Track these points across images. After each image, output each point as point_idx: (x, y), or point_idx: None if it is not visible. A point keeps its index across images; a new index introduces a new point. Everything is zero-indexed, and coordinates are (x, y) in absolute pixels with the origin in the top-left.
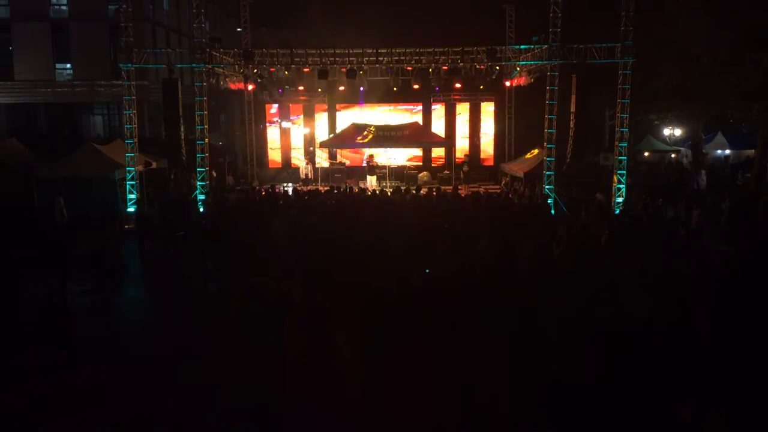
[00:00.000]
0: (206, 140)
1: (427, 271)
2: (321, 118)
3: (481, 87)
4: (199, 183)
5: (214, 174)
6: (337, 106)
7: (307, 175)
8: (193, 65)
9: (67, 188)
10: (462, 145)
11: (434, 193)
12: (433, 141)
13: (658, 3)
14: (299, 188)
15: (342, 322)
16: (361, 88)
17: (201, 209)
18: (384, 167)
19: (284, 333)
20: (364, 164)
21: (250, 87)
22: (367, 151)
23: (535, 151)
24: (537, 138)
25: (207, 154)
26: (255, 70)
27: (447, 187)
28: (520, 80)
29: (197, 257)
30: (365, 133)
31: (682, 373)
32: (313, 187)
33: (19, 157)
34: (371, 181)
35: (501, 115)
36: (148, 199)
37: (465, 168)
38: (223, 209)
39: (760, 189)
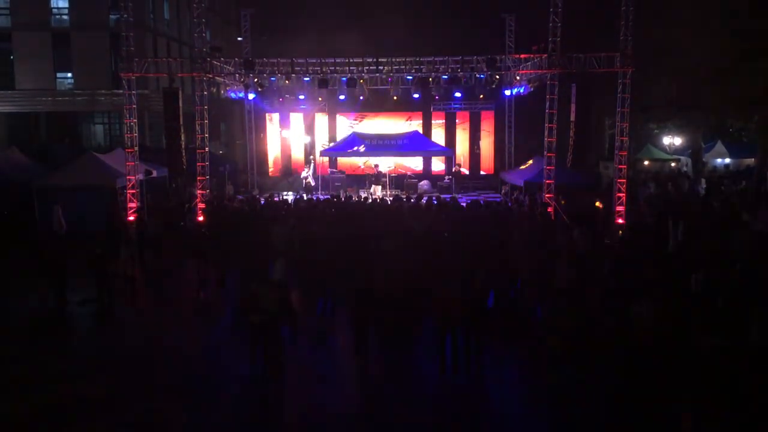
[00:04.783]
0: (206, 149)
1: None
2: (321, 127)
3: (481, 96)
4: (199, 192)
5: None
6: (338, 115)
7: (308, 183)
8: (194, 74)
9: (67, 197)
10: (463, 153)
11: (434, 202)
12: (433, 150)
13: (657, 13)
14: (300, 196)
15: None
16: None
17: (201, 218)
18: (384, 175)
19: (283, 342)
20: (375, 171)
21: (251, 96)
22: (371, 161)
23: (530, 162)
24: (537, 147)
25: (207, 163)
26: (255, 80)
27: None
28: (520, 89)
29: (196, 266)
30: (366, 142)
31: (683, 381)
32: (312, 196)
33: (20, 166)
34: (377, 190)
35: (501, 124)
36: (148, 208)
37: (450, 176)
38: (223, 218)
39: (759, 197)
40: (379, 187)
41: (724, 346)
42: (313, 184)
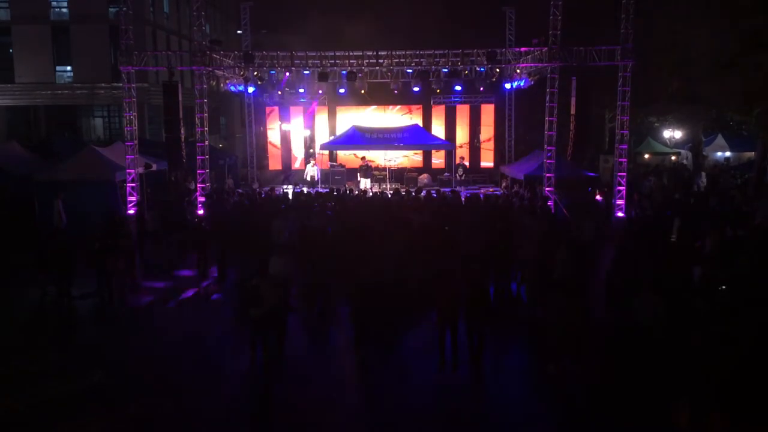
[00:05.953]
0: (206, 142)
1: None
2: (321, 121)
3: (482, 89)
4: (199, 185)
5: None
6: (338, 109)
7: (312, 177)
8: (194, 68)
9: (67, 191)
10: (462, 147)
11: (434, 196)
12: (434, 144)
13: (657, 7)
14: (300, 190)
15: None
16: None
17: (200, 211)
18: (384, 169)
19: (285, 335)
20: (359, 170)
21: (251, 89)
22: (361, 154)
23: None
24: (537, 140)
25: (207, 157)
26: (255, 73)
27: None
28: (520, 82)
29: (196, 260)
30: (366, 135)
31: (682, 377)
32: (311, 190)
33: (20, 160)
34: (366, 184)
35: (501, 118)
36: (147, 202)
37: (460, 171)
38: (222, 211)
39: (760, 191)
40: (368, 180)
41: (724, 336)
42: (317, 179)
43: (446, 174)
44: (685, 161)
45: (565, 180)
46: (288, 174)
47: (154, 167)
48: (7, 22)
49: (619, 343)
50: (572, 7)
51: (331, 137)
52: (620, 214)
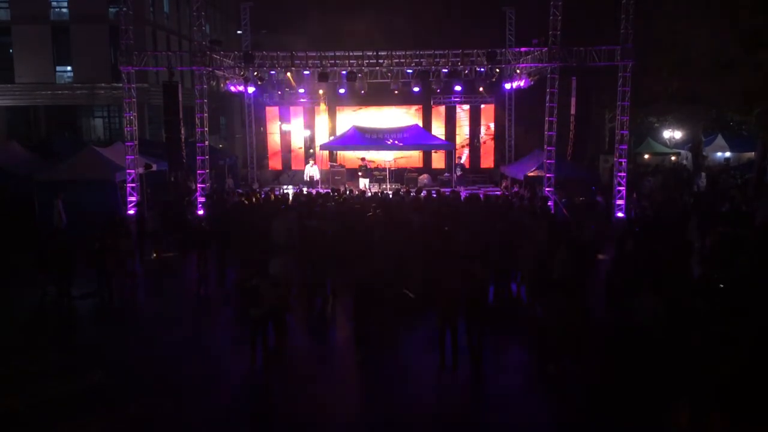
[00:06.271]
0: (206, 142)
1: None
2: (321, 121)
3: (481, 89)
4: (199, 185)
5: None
6: (337, 109)
7: (312, 177)
8: (194, 68)
9: (67, 191)
10: (462, 147)
11: (434, 196)
12: (434, 144)
13: (657, 6)
14: (299, 190)
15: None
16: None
17: (201, 211)
18: (384, 169)
19: (286, 335)
20: (359, 170)
21: (251, 89)
22: (361, 154)
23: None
24: (537, 140)
25: (207, 157)
26: (255, 73)
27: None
28: (520, 82)
29: (196, 260)
30: (366, 136)
31: (682, 377)
32: (311, 190)
33: (20, 160)
34: (364, 184)
35: (501, 118)
36: (147, 202)
37: (458, 171)
38: (222, 211)
39: (760, 191)
40: (367, 180)
41: (724, 336)
42: (316, 179)
43: (446, 174)
44: (685, 161)
45: (566, 180)
46: (288, 174)
47: (154, 167)
48: (7, 22)
49: (619, 343)
50: (572, 7)
51: (331, 137)
52: (620, 214)
